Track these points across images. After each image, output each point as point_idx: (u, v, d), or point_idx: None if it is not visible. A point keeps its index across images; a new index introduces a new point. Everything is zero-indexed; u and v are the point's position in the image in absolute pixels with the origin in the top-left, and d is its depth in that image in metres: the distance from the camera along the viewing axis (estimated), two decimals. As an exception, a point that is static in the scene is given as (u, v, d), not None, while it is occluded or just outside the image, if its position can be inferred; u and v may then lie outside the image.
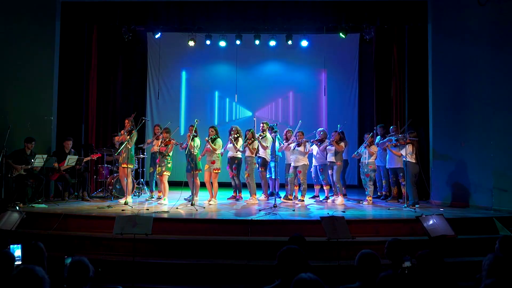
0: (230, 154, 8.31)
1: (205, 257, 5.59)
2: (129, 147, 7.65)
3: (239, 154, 8.26)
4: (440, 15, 8.42)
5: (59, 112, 8.81)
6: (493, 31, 7.63)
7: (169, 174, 7.80)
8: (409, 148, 7.55)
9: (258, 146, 8.17)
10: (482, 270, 2.94)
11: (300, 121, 8.49)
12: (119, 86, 10.83)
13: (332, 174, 8.16)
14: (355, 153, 8.44)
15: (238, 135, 8.18)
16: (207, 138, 7.89)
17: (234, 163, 8.27)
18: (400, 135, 7.86)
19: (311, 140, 8.34)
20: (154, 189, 8.61)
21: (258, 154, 8.26)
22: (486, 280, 2.81)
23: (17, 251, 3.65)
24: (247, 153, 8.14)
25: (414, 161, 7.55)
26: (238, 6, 8.93)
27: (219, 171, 7.99)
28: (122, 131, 7.94)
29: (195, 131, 7.86)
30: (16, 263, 3.47)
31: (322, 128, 8.61)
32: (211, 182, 7.98)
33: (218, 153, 7.96)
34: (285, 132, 8.61)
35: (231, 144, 8.17)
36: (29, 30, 8.50)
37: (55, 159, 7.74)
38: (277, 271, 2.81)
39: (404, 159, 7.52)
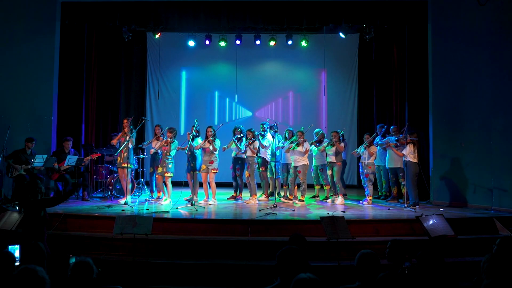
0: (234, 154, 8.32)
1: (205, 257, 5.59)
2: (130, 146, 7.65)
3: (244, 155, 8.26)
4: (440, 15, 8.42)
5: (59, 112, 8.81)
6: (493, 31, 7.64)
7: (171, 176, 7.76)
8: (410, 147, 7.55)
9: (259, 146, 8.17)
10: (481, 270, 2.95)
11: (308, 125, 8.48)
12: (119, 86, 10.83)
13: (332, 174, 8.16)
14: (355, 150, 8.46)
15: (242, 135, 8.19)
16: (210, 139, 7.87)
17: (238, 163, 8.28)
18: (400, 135, 7.86)
19: (311, 142, 8.35)
20: (154, 189, 8.61)
21: (258, 154, 8.26)
22: (485, 280, 2.82)
23: (15, 252, 3.64)
24: (248, 153, 8.14)
25: (415, 161, 7.55)
26: (238, 6, 8.93)
27: (217, 171, 8.00)
28: (120, 133, 7.95)
29: (196, 131, 7.87)
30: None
31: (319, 129, 8.62)
32: (208, 183, 7.99)
33: (217, 153, 7.96)
34: (285, 132, 8.61)
35: (235, 144, 8.19)
36: (29, 30, 8.51)
37: (55, 159, 7.74)
38: (276, 271, 2.81)
39: (405, 159, 7.52)
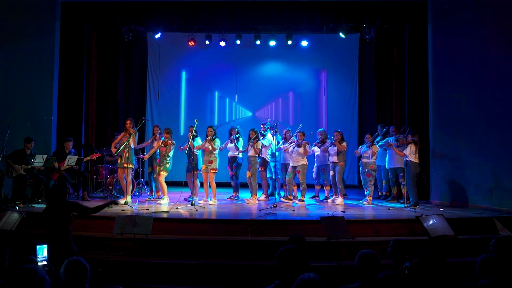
0: (230, 154, 8.32)
1: (205, 257, 5.59)
2: (133, 146, 7.64)
3: (239, 154, 8.26)
4: (440, 15, 8.42)
5: (59, 112, 8.81)
6: (493, 30, 7.64)
7: (165, 174, 7.78)
8: (412, 148, 7.55)
9: (261, 146, 8.17)
10: (477, 270, 2.95)
11: (300, 124, 8.49)
12: (119, 86, 10.83)
13: (334, 174, 8.15)
14: (358, 149, 8.46)
15: (239, 135, 8.19)
16: (209, 138, 7.88)
17: (235, 162, 8.28)
18: (400, 135, 7.86)
19: (314, 143, 8.35)
20: (154, 189, 8.61)
21: (260, 155, 8.26)
22: (481, 280, 2.82)
23: (43, 251, 3.68)
24: (251, 152, 8.14)
25: (416, 161, 7.55)
26: (238, 6, 8.93)
27: (216, 171, 8.00)
28: (121, 134, 7.94)
29: (195, 131, 7.87)
30: (42, 263, 3.50)
31: (322, 129, 8.62)
32: (209, 182, 7.98)
33: (216, 153, 7.96)
34: (284, 132, 8.61)
35: (232, 144, 8.18)
36: (29, 30, 8.51)
37: (55, 159, 7.75)
38: (276, 271, 2.81)
39: (407, 159, 7.52)
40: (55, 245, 4.51)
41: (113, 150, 7.93)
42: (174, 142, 7.91)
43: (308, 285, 2.31)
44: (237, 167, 8.30)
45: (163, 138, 7.95)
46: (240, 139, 8.21)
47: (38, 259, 3.53)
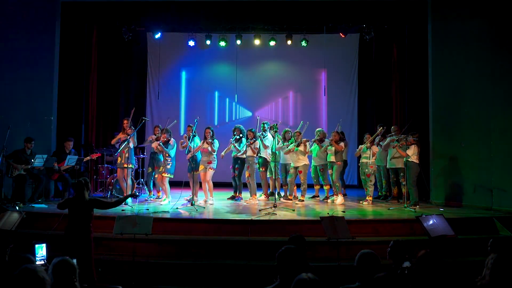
0: (234, 154, 8.33)
1: (205, 257, 5.60)
2: (132, 146, 7.63)
3: (243, 155, 8.25)
4: (440, 15, 8.42)
5: (59, 112, 8.81)
6: (493, 31, 7.64)
7: (170, 177, 7.75)
8: (415, 149, 7.55)
9: (260, 146, 8.17)
10: (486, 268, 2.95)
11: (303, 122, 8.46)
12: (119, 86, 10.82)
13: (332, 173, 8.16)
14: (358, 150, 8.46)
15: (241, 135, 8.19)
16: (209, 140, 7.87)
17: (237, 163, 8.28)
18: (401, 135, 7.85)
19: (311, 140, 8.35)
20: (152, 188, 8.60)
21: (259, 154, 8.25)
22: (487, 277, 2.83)
23: (42, 249, 3.68)
24: (249, 152, 8.13)
25: (416, 161, 7.55)
26: (238, 6, 8.93)
27: (214, 171, 7.99)
28: (120, 133, 7.94)
29: (195, 131, 7.86)
30: (40, 262, 3.51)
31: (321, 129, 8.62)
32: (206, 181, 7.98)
33: (215, 154, 7.96)
34: (283, 133, 8.60)
35: (234, 146, 8.18)
36: (30, 30, 8.51)
37: (55, 159, 7.75)
38: (276, 271, 2.81)
39: (408, 159, 7.52)
40: (78, 242, 4.56)
41: (112, 141, 7.98)
42: (169, 138, 7.85)
43: (305, 285, 2.31)
44: (240, 168, 8.30)
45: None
46: (243, 139, 8.21)
47: (36, 258, 3.53)
